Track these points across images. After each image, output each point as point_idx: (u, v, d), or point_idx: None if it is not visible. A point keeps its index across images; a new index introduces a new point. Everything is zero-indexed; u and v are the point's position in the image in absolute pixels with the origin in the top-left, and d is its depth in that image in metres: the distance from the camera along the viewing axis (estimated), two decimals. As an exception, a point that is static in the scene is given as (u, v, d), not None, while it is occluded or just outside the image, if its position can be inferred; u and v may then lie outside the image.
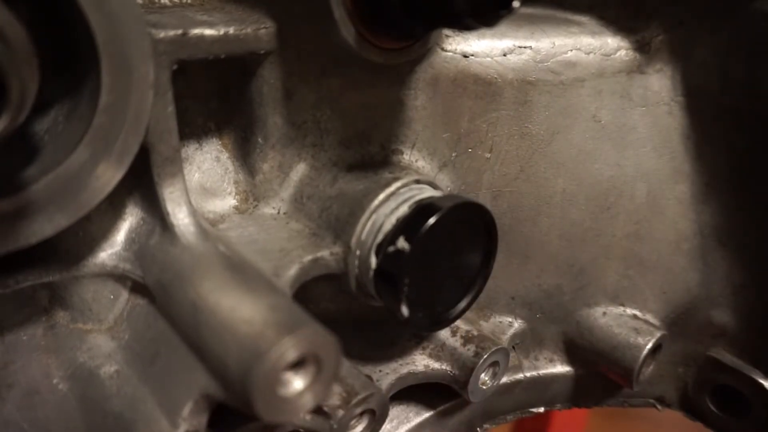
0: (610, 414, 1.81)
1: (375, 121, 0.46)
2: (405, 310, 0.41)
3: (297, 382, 0.32)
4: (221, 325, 0.32)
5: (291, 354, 0.30)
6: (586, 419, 1.88)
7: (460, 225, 0.43)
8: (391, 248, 0.40)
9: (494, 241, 0.46)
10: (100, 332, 0.41)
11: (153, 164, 0.36)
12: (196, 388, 0.35)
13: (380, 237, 0.41)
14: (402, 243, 0.40)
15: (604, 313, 0.62)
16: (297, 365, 0.31)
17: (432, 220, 0.40)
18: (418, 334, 0.56)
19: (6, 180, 0.30)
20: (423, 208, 0.41)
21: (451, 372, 0.55)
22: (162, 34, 0.34)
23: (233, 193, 0.46)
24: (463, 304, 0.46)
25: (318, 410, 0.44)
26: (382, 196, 0.42)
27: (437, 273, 0.44)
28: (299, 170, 0.45)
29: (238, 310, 0.32)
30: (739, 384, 0.60)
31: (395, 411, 0.58)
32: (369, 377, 0.50)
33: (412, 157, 0.49)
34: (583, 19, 0.55)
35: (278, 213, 0.45)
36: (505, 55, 0.50)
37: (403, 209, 0.41)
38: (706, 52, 0.53)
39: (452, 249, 0.44)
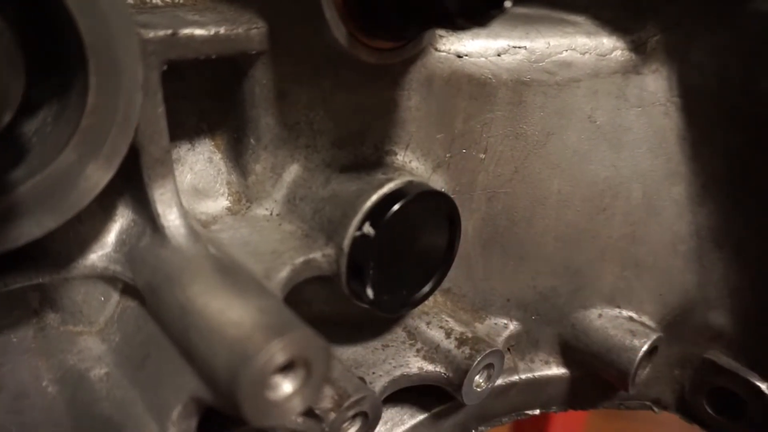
0: (609, 414, 1.81)
1: (368, 121, 0.46)
2: (370, 293, 0.43)
3: (286, 386, 0.31)
4: (209, 327, 0.32)
5: (279, 357, 0.30)
6: (585, 419, 1.88)
7: (426, 212, 0.45)
8: (357, 233, 0.41)
9: (457, 228, 0.48)
10: (90, 334, 0.41)
11: (143, 166, 0.36)
12: (185, 392, 0.35)
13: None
14: (367, 228, 0.41)
15: (600, 315, 0.62)
16: (286, 368, 0.31)
17: (397, 206, 0.41)
18: (412, 336, 0.56)
19: (-7, 181, 0.29)
20: (390, 195, 0.42)
21: (445, 374, 0.54)
22: (151, 34, 0.34)
23: (226, 194, 0.46)
24: (426, 289, 0.48)
25: (310, 413, 0.44)
26: (375, 198, 0.42)
27: (402, 258, 0.45)
28: (292, 171, 0.45)
29: (227, 312, 0.32)
30: (736, 386, 0.60)
31: (388, 413, 0.58)
32: (362, 379, 0.50)
33: (405, 158, 0.48)
34: (578, 19, 0.54)
35: (271, 214, 0.45)
36: (499, 55, 0.49)
37: (374, 198, 0.42)
38: (703, 53, 0.53)
39: (418, 235, 0.46)
